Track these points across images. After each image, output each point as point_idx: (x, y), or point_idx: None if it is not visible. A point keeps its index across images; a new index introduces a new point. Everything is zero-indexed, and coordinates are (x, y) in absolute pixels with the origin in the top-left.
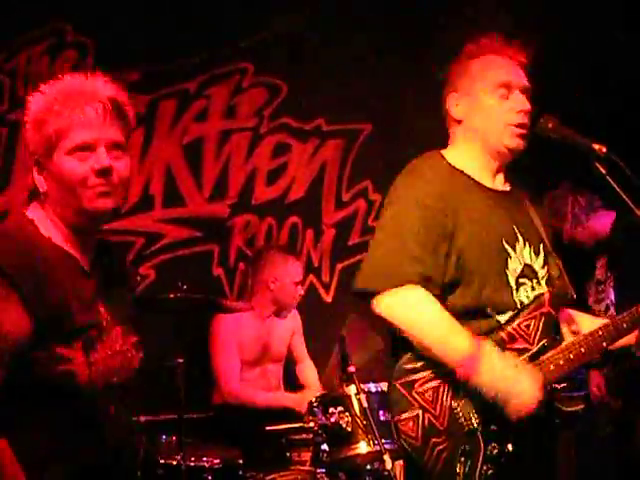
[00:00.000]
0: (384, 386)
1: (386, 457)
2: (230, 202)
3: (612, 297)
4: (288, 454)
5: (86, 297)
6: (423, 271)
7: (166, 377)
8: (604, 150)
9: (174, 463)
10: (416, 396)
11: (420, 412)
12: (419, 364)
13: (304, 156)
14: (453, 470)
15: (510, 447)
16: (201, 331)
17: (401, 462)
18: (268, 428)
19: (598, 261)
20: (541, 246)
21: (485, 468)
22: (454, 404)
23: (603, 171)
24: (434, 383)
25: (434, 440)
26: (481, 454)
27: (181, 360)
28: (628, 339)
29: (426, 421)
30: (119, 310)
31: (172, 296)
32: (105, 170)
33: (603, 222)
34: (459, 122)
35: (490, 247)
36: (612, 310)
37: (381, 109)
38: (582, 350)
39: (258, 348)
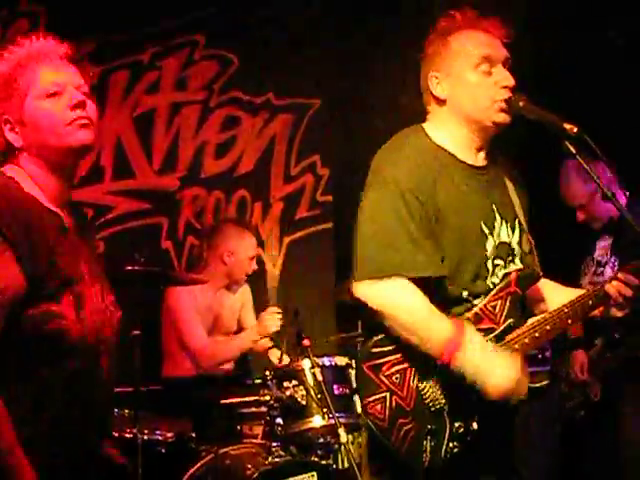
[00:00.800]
0: (338, 360)
1: (341, 431)
2: (179, 175)
3: None
4: (239, 427)
5: (69, 254)
6: (404, 260)
7: (120, 349)
8: (575, 130)
9: (128, 436)
10: (383, 379)
11: (387, 394)
12: (386, 348)
13: (253, 130)
14: (420, 449)
15: (475, 425)
16: (154, 304)
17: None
18: (222, 402)
19: (600, 241)
20: (517, 222)
21: (451, 446)
22: (421, 386)
23: (573, 150)
24: (401, 366)
25: (401, 421)
26: (447, 432)
27: (137, 332)
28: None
29: (393, 403)
30: (94, 268)
31: (130, 268)
32: (80, 103)
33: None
34: (443, 102)
35: (469, 233)
36: None
37: (331, 84)
38: (547, 328)
39: (210, 319)
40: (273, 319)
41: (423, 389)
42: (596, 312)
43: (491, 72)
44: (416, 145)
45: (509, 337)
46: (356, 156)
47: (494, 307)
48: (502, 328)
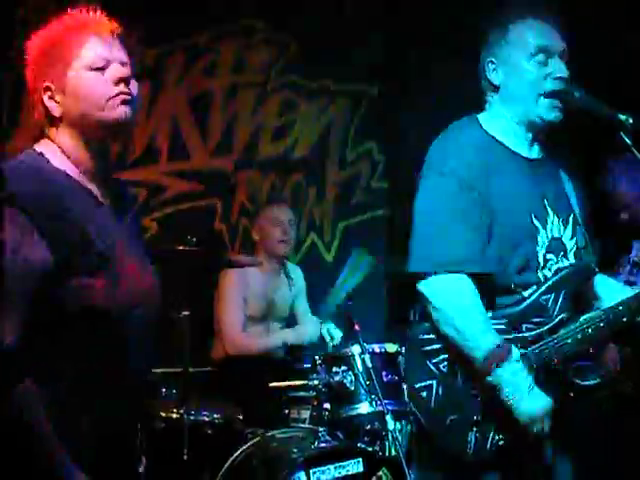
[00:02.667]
0: (388, 347)
1: (388, 417)
2: (234, 157)
3: None
4: (287, 411)
5: (102, 228)
6: (467, 255)
7: (169, 329)
8: (631, 121)
9: (174, 417)
10: (431, 366)
11: (434, 382)
12: (436, 335)
13: (310, 114)
14: (464, 440)
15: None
16: (207, 285)
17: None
18: (271, 385)
19: (637, 241)
20: (571, 217)
21: (497, 439)
22: (468, 375)
23: (629, 142)
24: (450, 354)
25: (447, 410)
26: (493, 425)
27: (187, 313)
28: None
29: (440, 391)
30: (133, 245)
31: (182, 248)
32: (124, 78)
33: None
34: (496, 89)
35: (519, 225)
36: None
37: (389, 71)
38: (601, 325)
39: (263, 304)
40: (313, 332)
41: (470, 379)
42: None
43: (547, 63)
44: (470, 136)
45: (562, 332)
46: (412, 144)
47: (547, 300)
48: (555, 322)
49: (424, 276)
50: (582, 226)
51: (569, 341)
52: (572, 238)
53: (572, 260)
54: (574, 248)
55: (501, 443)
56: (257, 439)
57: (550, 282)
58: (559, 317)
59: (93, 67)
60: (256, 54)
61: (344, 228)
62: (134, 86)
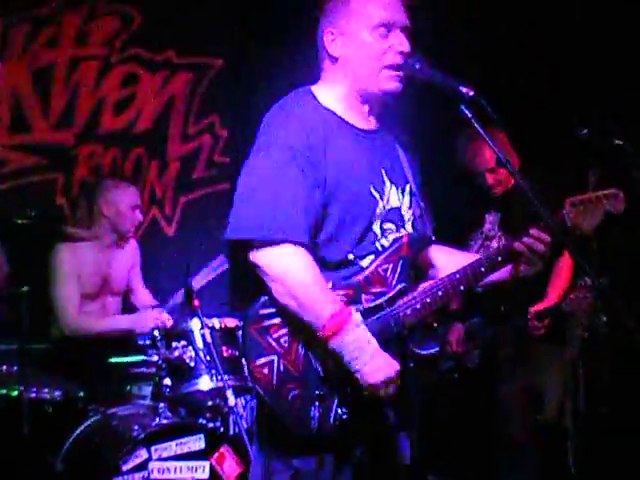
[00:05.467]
0: (228, 322)
1: (229, 393)
2: (76, 131)
3: None
4: (129, 388)
5: None
6: (300, 225)
7: (7, 305)
8: (471, 93)
9: (14, 394)
10: (271, 342)
11: (275, 358)
12: (274, 309)
13: (153, 87)
14: (307, 415)
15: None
16: (43, 260)
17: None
18: (110, 361)
19: (489, 215)
20: (407, 187)
21: (340, 412)
22: (309, 349)
23: (469, 114)
24: (290, 328)
25: (289, 386)
26: (336, 399)
27: (25, 288)
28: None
29: (281, 366)
30: None
31: (20, 222)
32: None
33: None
34: (334, 60)
35: (357, 196)
36: None
37: (233, 44)
38: (439, 293)
39: (98, 280)
40: (152, 321)
41: (311, 353)
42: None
43: (387, 36)
44: (304, 108)
45: (400, 302)
46: (256, 118)
47: (385, 270)
48: (393, 293)
49: (257, 246)
50: (417, 196)
51: (408, 311)
52: (410, 208)
53: (410, 230)
54: (412, 218)
55: (345, 417)
56: (98, 416)
57: (387, 252)
58: (397, 287)
59: None
60: (99, 26)
61: (186, 202)
62: None
